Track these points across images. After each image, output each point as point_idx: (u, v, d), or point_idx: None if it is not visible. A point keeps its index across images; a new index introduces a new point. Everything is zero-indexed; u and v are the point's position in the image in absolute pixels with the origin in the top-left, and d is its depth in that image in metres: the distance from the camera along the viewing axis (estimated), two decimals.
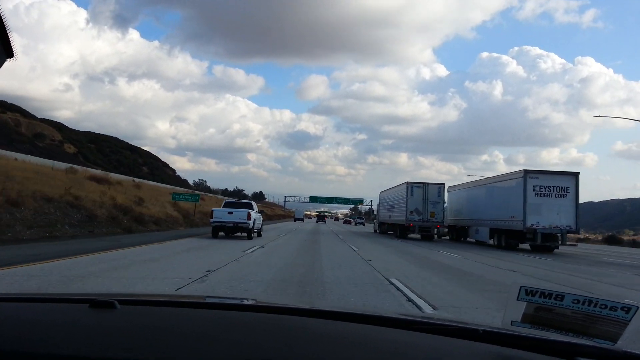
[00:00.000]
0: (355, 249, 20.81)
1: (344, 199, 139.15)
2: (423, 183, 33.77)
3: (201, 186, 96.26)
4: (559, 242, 23.27)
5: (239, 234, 23.29)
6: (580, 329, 1.35)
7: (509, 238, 24.76)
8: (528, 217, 23.01)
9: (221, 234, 23.13)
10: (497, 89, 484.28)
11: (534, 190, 23.13)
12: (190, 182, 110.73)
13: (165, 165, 73.29)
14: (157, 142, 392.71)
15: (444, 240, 34.43)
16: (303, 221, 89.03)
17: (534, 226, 23.06)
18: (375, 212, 52.06)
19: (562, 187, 23.09)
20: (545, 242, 23.24)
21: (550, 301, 1.44)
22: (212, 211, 22.80)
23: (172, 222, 30.46)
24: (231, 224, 22.14)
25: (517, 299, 1.49)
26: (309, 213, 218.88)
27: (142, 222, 25.56)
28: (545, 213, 22.94)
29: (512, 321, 1.46)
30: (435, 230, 33.59)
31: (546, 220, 23.00)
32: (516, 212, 23.58)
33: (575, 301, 1.37)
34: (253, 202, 25.49)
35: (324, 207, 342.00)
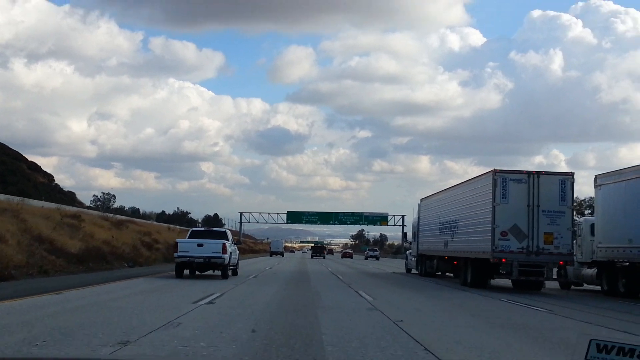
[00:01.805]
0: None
1: (351, 215, 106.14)
2: (528, 173, 22.55)
3: (104, 205, 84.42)
4: None
5: (210, 271, 24.84)
6: None
7: None
8: None
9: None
10: (556, 62, 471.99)
11: None
12: (87, 198, 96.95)
13: (34, 167, 61.36)
14: (69, 149, 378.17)
15: (579, 293, 23.37)
16: (282, 255, 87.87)
17: None
18: (409, 239, 40.56)
19: None
20: None
21: None
22: (177, 243, 24.33)
23: None
24: (201, 260, 23.33)
25: (587, 358, 1.55)
26: (289, 245, 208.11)
27: None
28: None
29: None
30: (557, 270, 22.43)
31: None
32: None
33: None
34: (227, 231, 27.75)
35: (312, 235, 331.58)
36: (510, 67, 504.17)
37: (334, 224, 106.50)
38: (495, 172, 22.30)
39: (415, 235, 36.35)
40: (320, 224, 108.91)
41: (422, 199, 35.59)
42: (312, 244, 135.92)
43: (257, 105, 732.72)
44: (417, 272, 35.85)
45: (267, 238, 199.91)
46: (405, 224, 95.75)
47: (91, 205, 63.52)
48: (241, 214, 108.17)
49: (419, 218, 35.83)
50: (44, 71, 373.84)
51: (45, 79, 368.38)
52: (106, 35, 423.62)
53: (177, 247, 23.84)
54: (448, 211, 28.29)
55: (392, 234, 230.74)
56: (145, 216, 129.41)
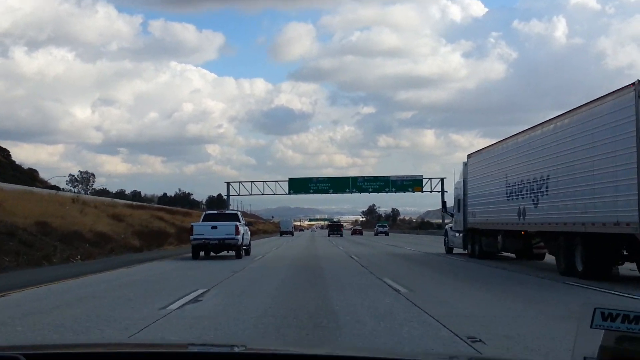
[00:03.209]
0: None
1: (374, 180, 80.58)
2: None
3: (83, 185, 75.04)
4: None
5: (225, 252, 25.14)
6: None
7: None
8: None
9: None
10: (560, 29, 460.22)
11: None
12: (62, 179, 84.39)
13: None
14: (74, 136, 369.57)
15: None
16: (292, 234, 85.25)
17: None
18: (449, 209, 31.13)
19: None
20: None
21: (637, 327, 1.44)
22: (192, 226, 25.47)
23: None
24: (216, 241, 24.17)
25: (592, 326, 1.51)
26: (298, 224, 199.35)
27: None
28: None
29: (584, 357, 1.48)
30: None
31: None
32: None
33: None
34: (239, 213, 29.13)
35: (320, 213, 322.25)
36: (513, 36, 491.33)
37: (352, 192, 80.00)
38: None
39: (460, 204, 27.09)
40: (332, 192, 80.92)
41: (469, 155, 26.23)
42: (327, 222, 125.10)
43: (259, 86, 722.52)
44: (464, 252, 26.68)
45: (272, 217, 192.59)
46: (445, 189, 75.12)
47: (57, 185, 54.21)
48: (228, 184, 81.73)
49: (465, 181, 26.58)
50: (45, 58, 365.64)
51: (46, 66, 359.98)
52: (105, 20, 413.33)
53: (193, 230, 24.81)
54: (526, 164, 18.91)
55: (404, 208, 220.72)
56: (147, 199, 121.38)
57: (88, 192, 71.72)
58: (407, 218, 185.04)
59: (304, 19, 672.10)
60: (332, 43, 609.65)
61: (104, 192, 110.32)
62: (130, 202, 57.94)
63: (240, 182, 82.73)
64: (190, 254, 25.08)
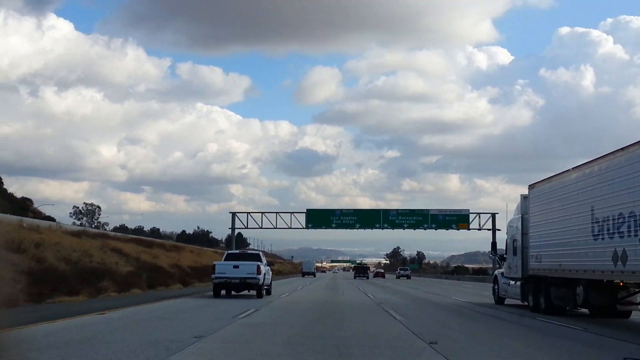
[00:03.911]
0: None
1: (410, 214, 67.64)
2: None
3: (88, 218, 70.78)
4: None
5: (246, 291, 25.74)
6: None
7: None
8: None
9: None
10: (588, 78, 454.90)
11: None
12: (66, 210, 79.49)
13: None
14: (100, 174, 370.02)
15: None
16: (314, 276, 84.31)
17: None
18: (501, 250, 26.06)
19: None
20: None
21: None
22: (214, 265, 25.57)
23: None
24: (237, 280, 24.66)
25: None
26: (320, 265, 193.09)
27: None
28: None
29: None
30: None
31: None
32: None
33: None
34: (261, 253, 29.58)
35: (342, 255, 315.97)
36: (540, 84, 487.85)
37: (382, 227, 66.62)
38: None
39: (516, 245, 22.26)
40: (359, 228, 67.40)
41: (532, 186, 21.33)
42: (349, 264, 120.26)
43: (284, 128, 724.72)
44: (521, 304, 21.75)
45: (292, 257, 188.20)
46: (497, 227, 64.35)
47: (51, 216, 49.93)
48: (233, 214, 69.27)
49: (524, 218, 21.76)
50: (74, 98, 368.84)
51: (75, 106, 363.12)
52: (134, 62, 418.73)
53: (215, 269, 25.04)
54: (627, 192, 14.03)
55: (427, 252, 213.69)
56: (166, 236, 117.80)
57: (93, 226, 67.61)
58: (431, 262, 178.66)
59: (330, 63, 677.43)
60: (357, 87, 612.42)
61: (122, 229, 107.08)
62: (84, 228, 47.53)
63: (248, 212, 69.98)
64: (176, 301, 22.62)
